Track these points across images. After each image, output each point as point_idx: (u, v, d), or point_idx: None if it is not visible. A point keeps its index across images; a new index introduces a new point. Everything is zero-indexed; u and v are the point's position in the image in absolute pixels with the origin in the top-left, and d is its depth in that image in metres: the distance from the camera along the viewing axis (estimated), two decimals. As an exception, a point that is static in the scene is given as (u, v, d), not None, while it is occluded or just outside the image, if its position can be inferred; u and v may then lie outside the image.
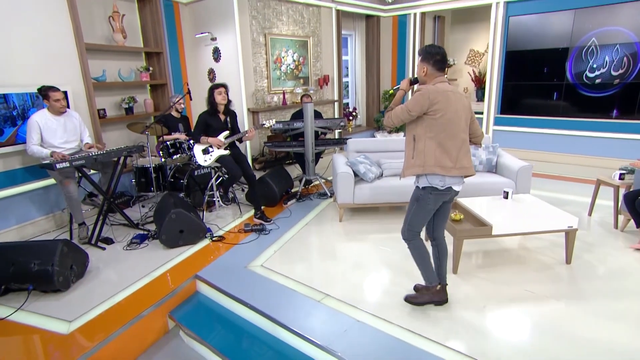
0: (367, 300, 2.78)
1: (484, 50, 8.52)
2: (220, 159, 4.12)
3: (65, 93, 4.01)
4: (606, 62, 5.85)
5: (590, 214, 4.16)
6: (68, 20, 4.33)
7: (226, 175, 4.55)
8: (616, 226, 3.80)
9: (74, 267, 3.07)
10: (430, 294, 2.66)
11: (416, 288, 2.83)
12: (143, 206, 4.85)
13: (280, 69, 6.04)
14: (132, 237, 3.86)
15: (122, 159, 3.99)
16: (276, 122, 4.57)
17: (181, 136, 4.94)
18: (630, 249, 3.36)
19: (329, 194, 5.05)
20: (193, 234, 3.74)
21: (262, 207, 4.36)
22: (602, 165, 5.98)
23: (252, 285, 3.02)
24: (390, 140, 4.72)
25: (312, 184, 5.49)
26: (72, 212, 3.87)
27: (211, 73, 5.89)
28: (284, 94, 6.04)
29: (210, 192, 4.59)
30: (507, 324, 2.48)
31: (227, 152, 4.13)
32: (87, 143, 3.93)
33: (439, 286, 2.65)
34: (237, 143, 4.34)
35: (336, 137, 7.07)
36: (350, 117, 7.73)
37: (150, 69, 5.45)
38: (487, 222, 3.05)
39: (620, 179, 3.75)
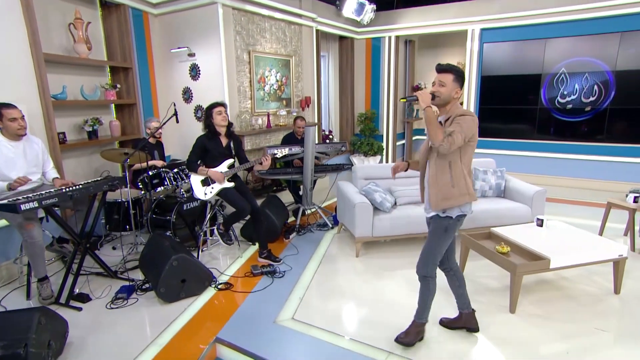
0: (438, 355, 2.38)
1: (450, 75, 8.75)
2: (222, 192, 3.53)
3: (20, 113, 3.20)
4: (576, 90, 6.19)
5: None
6: (22, 23, 3.54)
7: (222, 209, 3.95)
8: (633, 249, 3.82)
9: (52, 344, 2.31)
10: (417, 332, 2.48)
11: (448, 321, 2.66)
12: (114, 248, 4.05)
13: (264, 89, 5.58)
14: (116, 290, 3.11)
15: (99, 193, 3.25)
16: (288, 149, 4.08)
17: (158, 163, 4.27)
18: (661, 274, 3.35)
19: (330, 225, 4.63)
20: (197, 282, 3.10)
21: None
22: (585, 186, 6.27)
23: (290, 346, 2.48)
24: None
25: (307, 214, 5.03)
26: (32, 264, 3.02)
27: (187, 92, 5.26)
28: (268, 115, 5.57)
29: (204, 229, 3.93)
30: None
31: (231, 184, 3.55)
32: (57, 179, 3.14)
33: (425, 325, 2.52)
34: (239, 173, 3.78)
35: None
36: (327, 141, 7.43)
37: (118, 86, 4.71)
38: (543, 255, 2.83)
39: (634, 201, 3.79)
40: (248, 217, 3.74)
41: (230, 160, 3.59)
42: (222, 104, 3.52)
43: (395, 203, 4.05)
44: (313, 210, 4.87)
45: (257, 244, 4.10)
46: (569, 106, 6.27)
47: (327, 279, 3.40)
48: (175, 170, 4.05)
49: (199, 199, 3.59)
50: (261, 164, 3.57)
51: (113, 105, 4.92)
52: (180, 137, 5.32)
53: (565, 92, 6.26)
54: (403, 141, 8.73)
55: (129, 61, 4.80)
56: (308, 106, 6.43)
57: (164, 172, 3.92)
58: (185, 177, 4.03)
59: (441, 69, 2.25)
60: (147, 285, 3.22)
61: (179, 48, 5.05)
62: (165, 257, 2.98)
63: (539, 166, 6.64)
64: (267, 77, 5.59)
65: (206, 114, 3.47)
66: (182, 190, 4.08)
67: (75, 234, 3.09)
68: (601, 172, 6.17)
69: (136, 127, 4.96)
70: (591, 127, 6.18)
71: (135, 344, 2.51)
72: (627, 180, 5.92)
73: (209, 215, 3.85)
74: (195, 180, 3.52)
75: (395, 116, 8.05)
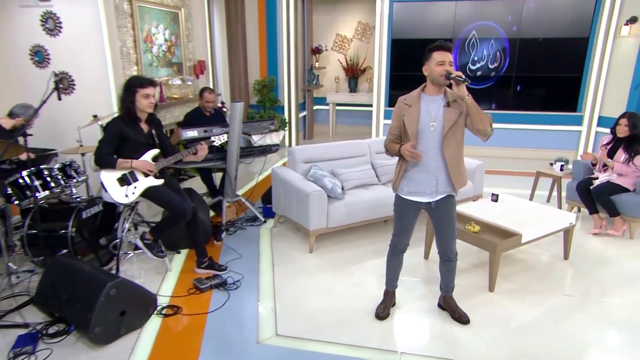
0: (442, 344, 2.74)
1: (351, 36, 9.28)
2: (150, 192, 3.22)
3: None
4: (484, 56, 7.29)
5: (529, 205, 5.15)
6: None
7: (136, 215, 3.60)
8: (560, 214, 4.84)
9: None
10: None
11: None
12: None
13: (152, 52, 5.12)
14: (12, 345, 2.63)
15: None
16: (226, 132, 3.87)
17: (22, 156, 3.62)
18: (590, 235, 4.35)
19: (263, 219, 4.64)
20: (139, 312, 2.85)
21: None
22: (501, 155, 7.47)
23: (290, 368, 2.54)
24: (345, 145, 4.65)
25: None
26: None
27: (39, 52, 4.49)
28: (161, 86, 5.15)
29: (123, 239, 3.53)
30: (596, 334, 2.86)
31: (159, 181, 3.26)
32: None
33: None
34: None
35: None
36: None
37: None
38: (515, 231, 3.40)
39: (561, 170, 4.78)
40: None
41: (155, 151, 3.28)
42: (153, 84, 3.13)
43: (343, 188, 4.27)
44: (233, 202, 4.74)
45: (181, 252, 3.93)
46: (479, 73, 7.37)
47: (291, 283, 3.47)
48: (58, 166, 3.52)
49: (119, 203, 3.21)
50: (195, 153, 3.36)
51: None
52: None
53: (475, 58, 7.32)
54: (304, 112, 9.00)
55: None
56: (202, 73, 6.13)
57: (46, 169, 3.37)
58: (76, 174, 3.54)
59: (448, 47, 2.52)
60: (55, 328, 2.82)
61: (25, -12, 4.26)
62: (94, 286, 2.64)
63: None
64: (154, 35, 5.13)
65: (126, 92, 3.07)
66: (73, 191, 3.57)
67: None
68: (516, 141, 7.46)
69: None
70: (497, 93, 7.40)
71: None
72: (541, 147, 7.27)
73: (127, 224, 3.47)
74: (109, 178, 3.12)
75: (297, 84, 8.22)
